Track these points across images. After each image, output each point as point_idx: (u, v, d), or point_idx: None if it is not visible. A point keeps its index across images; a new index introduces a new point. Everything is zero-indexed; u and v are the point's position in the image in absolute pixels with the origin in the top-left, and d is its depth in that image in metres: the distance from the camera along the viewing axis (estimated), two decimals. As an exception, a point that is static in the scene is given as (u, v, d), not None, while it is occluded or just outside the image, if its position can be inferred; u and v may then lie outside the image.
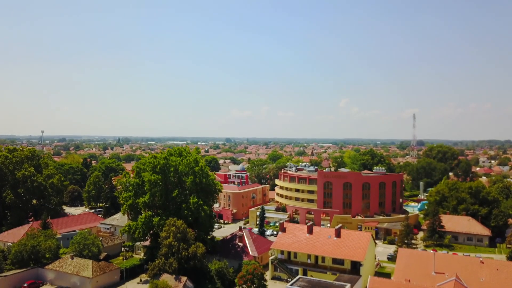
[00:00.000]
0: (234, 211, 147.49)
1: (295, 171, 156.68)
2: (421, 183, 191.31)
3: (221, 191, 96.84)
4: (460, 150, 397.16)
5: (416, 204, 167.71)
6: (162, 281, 70.60)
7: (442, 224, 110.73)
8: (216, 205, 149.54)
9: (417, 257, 77.71)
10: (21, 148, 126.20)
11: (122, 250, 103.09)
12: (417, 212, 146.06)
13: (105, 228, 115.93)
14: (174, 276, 73.89)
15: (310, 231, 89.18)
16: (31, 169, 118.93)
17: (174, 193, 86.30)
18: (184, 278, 73.49)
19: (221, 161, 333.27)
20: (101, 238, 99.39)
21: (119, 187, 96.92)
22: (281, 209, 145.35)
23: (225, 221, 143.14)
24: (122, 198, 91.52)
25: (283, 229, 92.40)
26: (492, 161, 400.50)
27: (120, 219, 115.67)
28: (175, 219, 78.90)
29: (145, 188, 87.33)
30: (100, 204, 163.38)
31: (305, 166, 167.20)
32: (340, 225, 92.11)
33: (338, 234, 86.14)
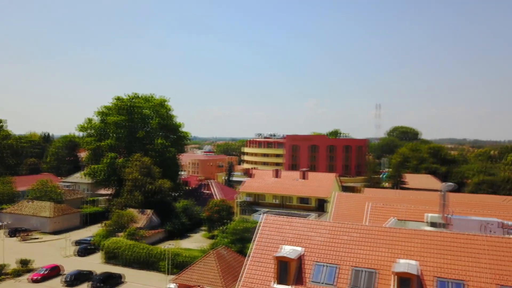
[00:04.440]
0: (202, 178, 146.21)
1: (263, 139, 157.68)
2: (384, 159, 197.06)
3: (188, 138, 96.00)
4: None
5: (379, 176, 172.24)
6: (127, 211, 69.12)
7: (403, 180, 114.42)
8: (184, 173, 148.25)
9: (382, 193, 79.90)
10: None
11: (83, 204, 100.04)
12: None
13: (66, 186, 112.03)
14: (139, 210, 72.53)
15: (277, 175, 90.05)
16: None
17: (139, 134, 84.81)
18: (149, 211, 72.28)
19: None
20: (61, 191, 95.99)
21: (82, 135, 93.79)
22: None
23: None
24: (85, 144, 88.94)
25: (250, 175, 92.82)
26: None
27: (81, 177, 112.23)
28: (140, 155, 77.51)
29: (110, 131, 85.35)
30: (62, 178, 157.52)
31: (273, 135, 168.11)
32: (308, 168, 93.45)
33: (304, 176, 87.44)
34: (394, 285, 25.40)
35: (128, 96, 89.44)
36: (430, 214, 38.56)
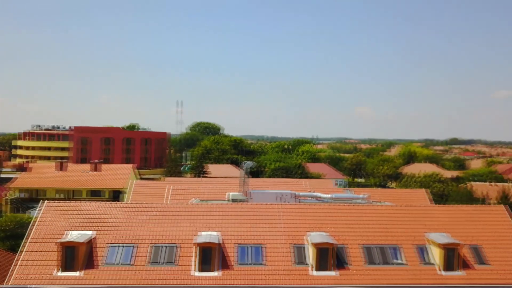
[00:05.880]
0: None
1: (44, 131, 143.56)
2: (185, 153, 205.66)
3: None
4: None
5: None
6: None
7: (206, 170, 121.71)
8: None
9: (184, 180, 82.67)
10: None
11: None
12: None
13: None
14: None
15: (62, 168, 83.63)
16: None
17: None
18: None
19: None
20: None
21: None
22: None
23: None
24: None
25: (25, 169, 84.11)
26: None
27: None
28: None
29: None
30: None
31: (56, 127, 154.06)
32: (101, 160, 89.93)
33: (96, 168, 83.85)
34: (196, 256, 26.56)
35: None
36: (231, 193, 41.89)
